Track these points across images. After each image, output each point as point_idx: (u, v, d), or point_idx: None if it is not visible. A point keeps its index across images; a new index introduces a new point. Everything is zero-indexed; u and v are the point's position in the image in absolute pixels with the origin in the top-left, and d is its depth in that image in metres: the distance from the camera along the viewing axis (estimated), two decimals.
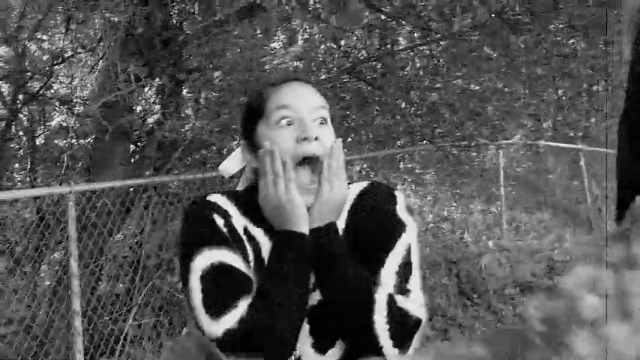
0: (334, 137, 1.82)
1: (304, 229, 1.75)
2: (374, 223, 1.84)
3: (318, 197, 1.76)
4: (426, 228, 9.76)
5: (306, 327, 1.75)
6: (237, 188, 2.00)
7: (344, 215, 1.85)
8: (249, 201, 1.86)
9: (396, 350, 1.71)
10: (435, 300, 8.08)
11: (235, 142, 6.88)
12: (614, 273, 0.83)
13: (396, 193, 1.93)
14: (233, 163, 1.99)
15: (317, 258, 1.74)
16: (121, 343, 5.73)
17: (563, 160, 13.64)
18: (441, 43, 8.25)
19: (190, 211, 1.82)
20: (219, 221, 1.78)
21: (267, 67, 9.01)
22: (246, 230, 1.81)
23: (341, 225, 1.83)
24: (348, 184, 1.87)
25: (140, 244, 6.37)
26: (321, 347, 1.77)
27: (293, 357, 1.74)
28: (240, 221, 1.82)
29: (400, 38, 8.86)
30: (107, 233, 5.91)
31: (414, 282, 1.81)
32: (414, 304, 1.76)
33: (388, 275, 1.77)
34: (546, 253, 10.48)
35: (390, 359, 1.71)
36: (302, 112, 1.78)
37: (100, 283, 6.23)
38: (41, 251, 6.77)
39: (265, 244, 1.80)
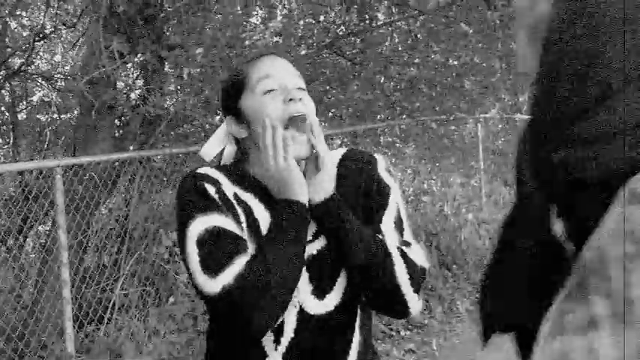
0: (313, 102, 1.97)
1: (303, 197, 1.89)
2: (361, 186, 2.00)
3: (321, 169, 1.92)
4: (406, 201, 9.90)
5: (305, 275, 1.90)
6: (222, 163, 2.13)
7: (330, 187, 1.97)
8: (236, 170, 2.00)
9: (416, 296, 1.92)
10: None
11: (218, 117, 6.98)
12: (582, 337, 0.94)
13: (376, 155, 2.09)
14: (213, 146, 2.11)
15: (333, 227, 1.90)
16: (108, 311, 5.86)
17: None
18: (419, 18, 8.36)
19: (183, 183, 1.94)
20: (211, 189, 1.89)
21: (246, 42, 9.10)
22: (236, 196, 1.93)
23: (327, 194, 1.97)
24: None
25: (126, 216, 6.49)
26: (319, 294, 1.92)
27: (293, 305, 1.89)
28: (230, 188, 1.94)
29: (379, 14, 8.96)
30: (94, 206, 6.01)
31: (409, 235, 2.01)
32: (417, 254, 1.96)
33: (388, 232, 1.96)
34: None
35: (412, 305, 1.92)
36: (284, 80, 1.92)
37: (86, 254, 6.34)
38: (26, 224, 6.87)
39: (256, 207, 1.93)
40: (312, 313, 1.92)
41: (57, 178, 5.10)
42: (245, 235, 1.88)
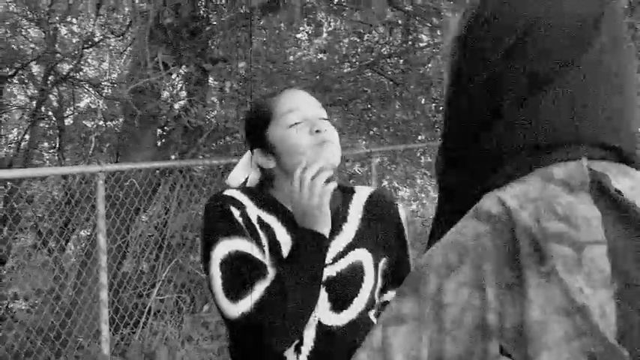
0: (335, 130, 2.08)
1: (326, 230, 2.00)
2: (388, 231, 2.17)
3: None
4: None
5: (324, 295, 2.01)
6: (247, 186, 2.22)
7: (358, 215, 2.14)
8: (260, 194, 2.11)
9: None
10: None
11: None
12: None
13: (398, 202, 2.27)
14: (240, 173, 2.21)
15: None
16: (144, 316, 5.98)
17: None
18: None
19: (209, 205, 2.05)
20: (235, 212, 2.00)
21: (291, 58, 9.23)
22: (259, 219, 2.03)
23: (354, 226, 2.12)
24: (351, 188, 2.22)
25: (165, 223, 6.62)
26: (337, 309, 2.03)
27: (312, 318, 2.00)
28: (254, 211, 2.04)
29: (423, 35, 9.03)
30: (134, 212, 6.15)
31: None
32: None
33: None
34: None
35: None
36: (307, 112, 2.03)
37: (125, 259, 6.47)
38: (68, 228, 7.03)
39: (278, 230, 2.04)
40: (330, 325, 2.02)
41: (99, 184, 5.22)
42: (267, 258, 1.98)
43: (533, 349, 0.98)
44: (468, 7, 1.24)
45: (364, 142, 9.75)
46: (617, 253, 1.00)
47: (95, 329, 5.46)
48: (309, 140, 1.99)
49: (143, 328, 5.91)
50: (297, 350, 2.00)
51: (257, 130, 2.09)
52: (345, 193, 2.14)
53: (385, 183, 9.81)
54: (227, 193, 2.06)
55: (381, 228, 2.16)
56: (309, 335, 2.00)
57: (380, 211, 2.18)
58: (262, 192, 2.12)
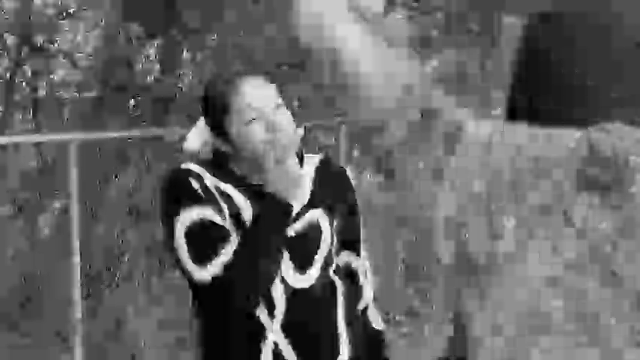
0: (290, 113, 2.20)
1: (294, 201, 2.15)
2: (339, 193, 2.34)
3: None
4: None
5: (286, 255, 2.15)
6: (201, 157, 2.31)
7: (308, 184, 2.27)
8: (216, 164, 2.22)
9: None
10: (418, 259, 8.37)
11: None
12: None
13: (346, 169, 2.48)
14: (195, 140, 2.28)
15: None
16: (115, 280, 6.09)
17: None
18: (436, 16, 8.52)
19: (168, 178, 2.19)
20: (195, 184, 2.12)
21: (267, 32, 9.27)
22: (217, 188, 2.16)
23: (308, 188, 2.27)
24: (301, 155, 2.32)
25: (136, 190, 6.70)
26: (300, 270, 2.18)
27: (279, 280, 2.14)
28: (211, 181, 2.16)
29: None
30: (105, 180, 6.24)
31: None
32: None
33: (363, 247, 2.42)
34: None
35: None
36: (264, 107, 2.13)
37: (97, 226, 6.56)
38: (42, 197, 7.10)
39: (237, 197, 2.17)
40: (296, 287, 2.17)
41: (71, 152, 5.30)
42: (228, 224, 2.11)
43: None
44: None
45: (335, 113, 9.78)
46: None
47: (67, 294, 5.56)
48: (264, 137, 2.11)
49: (114, 291, 6.02)
50: (271, 315, 2.13)
51: (214, 117, 2.18)
52: (298, 159, 2.25)
53: (355, 152, 9.89)
54: (184, 166, 2.17)
55: (333, 191, 2.31)
56: (280, 299, 2.14)
57: (331, 175, 2.34)
58: (218, 163, 2.23)
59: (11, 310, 5.45)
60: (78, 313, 5.35)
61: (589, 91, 1.13)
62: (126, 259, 6.20)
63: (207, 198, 2.11)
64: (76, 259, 5.36)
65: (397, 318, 7.13)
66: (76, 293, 5.36)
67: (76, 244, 5.35)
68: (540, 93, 1.16)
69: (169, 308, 5.92)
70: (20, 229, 6.95)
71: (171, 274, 6.15)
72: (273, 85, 2.21)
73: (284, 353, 2.14)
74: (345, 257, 2.37)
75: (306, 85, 8.68)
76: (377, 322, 2.44)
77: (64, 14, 9.52)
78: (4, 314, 5.45)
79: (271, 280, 2.11)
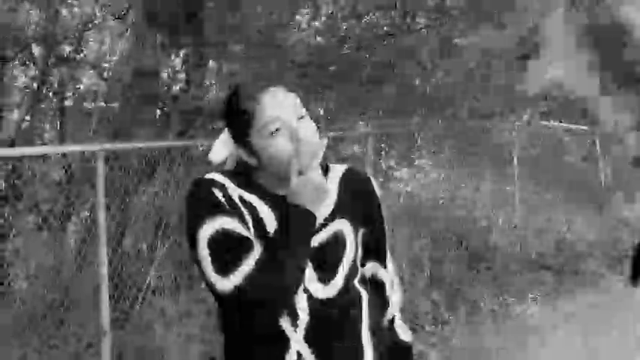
0: (313, 123, 2.18)
1: (318, 213, 2.13)
2: (364, 203, 2.32)
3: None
4: (440, 202, 10.04)
5: (310, 265, 2.13)
6: (226, 168, 2.30)
7: (333, 194, 2.25)
8: (240, 175, 2.20)
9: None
10: (442, 271, 8.40)
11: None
12: None
13: (371, 178, 2.42)
14: (221, 150, 2.27)
15: None
16: (143, 292, 6.11)
17: (578, 142, 13.82)
18: (457, 25, 8.49)
19: (192, 189, 2.15)
20: (218, 193, 2.09)
21: (289, 42, 9.29)
22: (241, 198, 2.14)
23: (333, 199, 2.25)
24: (326, 165, 2.33)
25: (163, 202, 6.72)
26: (324, 280, 2.16)
27: (302, 291, 2.12)
28: (235, 191, 2.14)
29: (419, 19, 9.06)
30: (133, 191, 6.26)
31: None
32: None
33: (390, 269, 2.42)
34: (556, 232, 10.74)
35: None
36: (287, 118, 2.11)
37: (124, 237, 6.57)
38: (69, 207, 7.13)
39: (260, 207, 2.15)
40: (320, 297, 2.15)
41: (99, 162, 5.33)
42: (251, 234, 2.09)
43: None
44: None
45: (361, 123, 9.81)
46: None
47: (95, 304, 5.58)
48: (288, 148, 2.09)
49: (142, 303, 6.03)
50: (294, 325, 2.11)
51: (237, 129, 2.17)
52: (321, 170, 2.22)
53: (382, 163, 9.89)
54: (208, 176, 2.15)
55: (357, 201, 2.29)
56: (303, 309, 2.12)
57: (355, 185, 2.32)
58: (242, 173, 2.22)
59: (40, 320, 5.46)
60: (106, 325, 5.36)
61: None
62: (153, 270, 6.20)
63: (230, 208, 2.09)
64: (104, 269, 5.37)
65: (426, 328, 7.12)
66: (105, 304, 5.38)
67: (104, 255, 5.37)
68: None
69: (197, 321, 5.93)
70: (47, 240, 6.97)
71: (198, 287, 6.16)
72: (296, 95, 2.19)
73: None
74: (372, 268, 2.36)
75: (331, 94, 8.69)
76: (405, 333, 2.43)
77: (90, 25, 9.58)
78: (33, 324, 5.47)
79: (294, 292, 2.09)
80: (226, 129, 2.24)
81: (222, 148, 2.27)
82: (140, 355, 5.56)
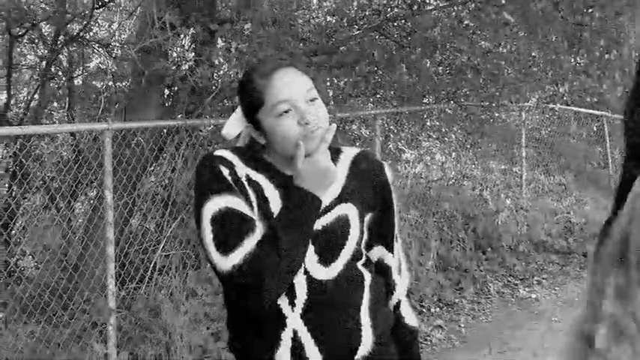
0: (324, 107, 2.19)
1: (322, 195, 2.14)
2: (375, 187, 2.31)
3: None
4: (447, 184, 10.05)
5: (311, 247, 2.14)
6: (238, 144, 2.33)
7: (341, 178, 2.26)
8: (249, 153, 2.23)
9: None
10: (450, 252, 8.41)
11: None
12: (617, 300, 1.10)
13: (384, 163, 2.41)
14: (234, 126, 2.29)
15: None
16: (150, 272, 6.12)
17: (587, 125, 13.81)
18: (469, 5, 8.44)
19: (200, 164, 2.17)
20: (225, 171, 2.12)
21: (300, 20, 9.26)
22: (248, 177, 2.16)
23: (340, 183, 2.25)
24: (338, 148, 2.34)
25: (171, 182, 6.73)
26: (325, 263, 2.17)
27: (302, 272, 2.13)
28: (243, 170, 2.17)
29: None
30: (140, 170, 6.26)
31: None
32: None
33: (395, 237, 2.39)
34: (564, 215, 10.74)
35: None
36: (297, 101, 2.12)
37: (132, 217, 6.59)
38: (77, 187, 7.15)
39: (266, 187, 2.17)
40: (320, 278, 2.15)
41: (106, 141, 5.33)
42: (255, 214, 2.11)
43: None
44: None
45: (370, 105, 9.79)
46: None
47: (102, 284, 5.60)
48: (297, 131, 2.10)
49: (148, 283, 6.05)
50: (292, 304, 2.12)
51: (249, 109, 2.19)
52: (332, 153, 2.24)
53: (390, 145, 9.88)
54: (217, 153, 2.18)
55: (367, 185, 2.29)
56: (302, 289, 2.13)
57: (366, 170, 2.31)
58: (252, 152, 2.24)
59: (46, 299, 5.49)
60: (112, 304, 5.38)
61: None
62: (160, 250, 6.22)
63: (236, 187, 2.11)
64: (111, 249, 5.39)
65: (432, 310, 7.12)
66: (111, 284, 5.40)
67: (111, 234, 5.38)
68: None
69: (204, 301, 5.95)
70: (55, 219, 6.99)
71: (205, 267, 6.18)
72: (309, 78, 2.20)
73: (302, 341, 2.13)
74: (378, 252, 2.36)
75: (342, 75, 8.66)
76: (411, 318, 2.43)
77: (100, 3, 9.54)
78: (39, 303, 5.49)
79: (294, 274, 2.10)
80: (239, 107, 2.26)
81: (235, 124, 2.29)
82: (146, 335, 5.59)
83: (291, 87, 2.13)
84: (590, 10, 7.80)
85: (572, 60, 8.92)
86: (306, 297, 2.13)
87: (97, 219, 5.88)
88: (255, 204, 2.13)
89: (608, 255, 1.14)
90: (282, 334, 2.13)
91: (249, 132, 2.25)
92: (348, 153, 2.34)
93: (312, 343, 2.13)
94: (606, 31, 7.71)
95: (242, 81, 2.22)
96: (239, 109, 2.28)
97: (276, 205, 2.14)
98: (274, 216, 2.11)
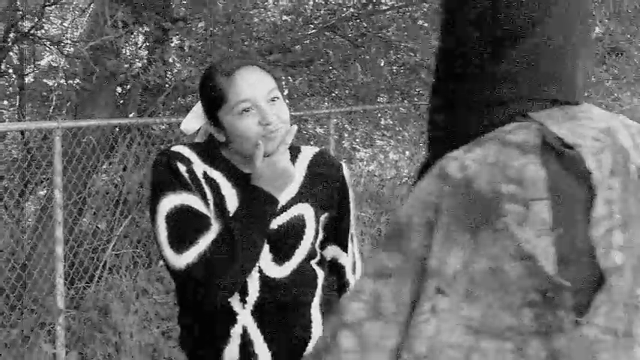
0: (286, 108, 2.18)
1: (279, 196, 2.13)
2: (332, 188, 2.31)
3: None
4: (400, 182, 10.08)
5: (266, 247, 2.13)
6: (197, 140, 2.32)
7: (298, 178, 2.25)
8: (207, 150, 2.21)
9: None
10: None
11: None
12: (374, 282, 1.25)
13: (342, 163, 2.41)
14: (193, 122, 2.29)
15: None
16: (99, 271, 6.06)
17: None
18: (422, 6, 8.49)
19: (157, 160, 2.16)
20: (182, 168, 2.11)
21: (255, 19, 9.24)
22: (205, 174, 2.15)
23: (297, 182, 2.25)
24: (297, 148, 2.33)
25: (122, 180, 6.67)
26: (279, 261, 2.16)
27: (255, 270, 2.12)
28: (200, 167, 2.16)
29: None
30: (91, 169, 6.19)
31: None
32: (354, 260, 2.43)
33: (353, 245, 2.41)
34: None
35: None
36: (259, 101, 2.10)
37: (82, 215, 6.52)
38: (27, 186, 7.05)
39: (223, 184, 2.16)
40: (272, 276, 2.15)
41: (56, 140, 5.26)
42: (211, 212, 2.10)
43: (481, 291, 1.18)
44: None
45: (325, 104, 9.81)
46: (559, 204, 1.19)
47: (50, 283, 5.53)
48: (257, 130, 2.09)
49: (98, 282, 5.99)
50: (243, 301, 2.12)
51: (210, 106, 2.17)
52: (291, 152, 2.23)
53: (345, 144, 9.91)
54: (174, 149, 2.17)
55: (324, 185, 2.29)
56: (254, 287, 2.12)
57: (323, 169, 2.31)
58: (210, 148, 2.22)
59: None
60: (61, 303, 5.31)
61: None
62: (111, 249, 6.16)
63: (192, 184, 2.10)
64: (60, 248, 5.32)
65: None
66: (60, 283, 5.33)
67: (60, 233, 5.31)
68: None
69: (155, 299, 5.90)
70: (3, 218, 6.88)
71: (156, 265, 6.13)
72: (272, 78, 2.19)
73: (252, 337, 2.13)
74: (333, 252, 2.36)
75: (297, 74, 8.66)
76: None
77: (51, 0, 9.43)
78: None
79: (248, 273, 2.09)
80: (199, 102, 2.25)
81: (194, 119, 2.28)
82: (96, 334, 5.53)
83: (254, 86, 2.11)
84: None
85: None
86: (257, 294, 2.12)
87: (47, 218, 5.80)
88: (211, 202, 2.12)
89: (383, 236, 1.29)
90: (232, 331, 2.12)
91: (208, 129, 2.24)
92: (307, 152, 2.33)
93: (262, 340, 2.14)
94: None
95: (204, 77, 2.20)
96: (199, 104, 2.26)
97: (232, 203, 2.13)
98: (230, 214, 2.10)
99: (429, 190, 1.24)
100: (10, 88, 9.65)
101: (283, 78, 8.35)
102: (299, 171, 2.26)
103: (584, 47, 1.34)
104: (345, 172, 2.37)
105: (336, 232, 2.33)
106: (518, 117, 1.25)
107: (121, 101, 7.49)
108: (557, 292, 1.17)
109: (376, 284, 1.25)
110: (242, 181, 2.15)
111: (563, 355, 1.18)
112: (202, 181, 2.13)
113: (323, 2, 9.03)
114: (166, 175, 2.10)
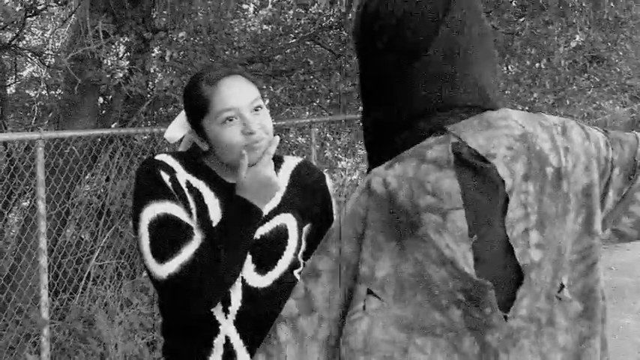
0: (269, 117, 2.20)
1: (263, 207, 2.13)
2: (315, 197, 2.33)
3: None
4: None
5: (248, 257, 2.14)
6: (180, 149, 2.34)
7: (281, 188, 2.26)
8: (191, 159, 2.22)
9: None
10: None
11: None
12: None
13: (324, 173, 2.43)
14: (177, 130, 2.29)
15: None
16: (84, 282, 6.05)
17: None
18: None
19: (141, 169, 2.16)
20: (165, 177, 2.11)
21: (235, 29, 9.26)
22: (188, 183, 2.16)
23: (280, 192, 2.26)
24: (280, 157, 2.35)
25: (105, 191, 6.67)
26: (262, 271, 2.17)
27: (238, 280, 2.13)
28: (183, 176, 2.16)
29: None
30: (74, 180, 6.19)
31: None
32: None
33: None
34: None
35: None
36: (242, 110, 2.11)
37: (65, 226, 6.51)
38: (10, 197, 7.03)
39: (207, 194, 2.16)
40: (255, 286, 2.16)
41: (39, 151, 5.26)
42: (194, 221, 2.10)
43: (410, 293, 1.33)
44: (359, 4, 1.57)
45: (306, 113, 9.82)
46: (474, 212, 1.33)
47: (34, 294, 5.52)
48: (241, 140, 2.09)
49: (82, 293, 5.98)
50: (226, 311, 2.12)
51: (194, 115, 2.18)
52: (274, 162, 2.24)
53: (327, 153, 9.92)
54: (158, 157, 2.17)
55: (307, 196, 2.30)
56: (236, 296, 2.13)
57: (306, 180, 2.32)
58: (192, 156, 2.23)
59: None
60: (45, 315, 5.31)
61: None
62: (94, 260, 6.15)
63: (175, 193, 2.10)
64: (44, 259, 5.32)
65: None
66: (44, 294, 5.32)
67: (44, 244, 5.31)
68: None
69: (139, 310, 5.90)
70: None
71: (140, 276, 6.13)
72: (256, 88, 2.20)
73: (235, 347, 2.14)
74: None
75: (278, 84, 8.68)
76: None
77: (33, 11, 9.42)
78: None
79: (230, 284, 2.09)
80: (183, 111, 2.25)
81: (178, 128, 2.28)
82: (80, 345, 5.52)
83: (238, 95, 2.12)
84: (521, 20, 7.97)
85: (505, 69, 9.09)
86: (240, 304, 2.13)
87: (30, 229, 5.80)
88: (194, 211, 2.12)
89: (325, 239, 1.50)
90: (214, 341, 2.13)
91: (191, 137, 2.24)
92: (289, 163, 2.34)
93: (245, 350, 2.14)
94: (536, 40, 7.89)
95: (188, 86, 2.20)
96: (183, 113, 2.27)
97: (215, 213, 2.13)
98: (213, 224, 2.11)
99: (359, 203, 1.41)
100: None
101: (264, 87, 8.37)
102: (282, 181, 2.27)
103: (487, 56, 1.48)
104: (328, 181, 2.39)
105: (319, 242, 2.34)
106: (437, 130, 1.39)
107: (103, 111, 7.49)
108: (480, 291, 1.28)
109: (308, 284, 1.45)
110: (225, 191, 2.16)
111: (493, 348, 1.31)
112: (185, 190, 2.13)
113: (303, 12, 9.05)
114: (150, 183, 2.10)
